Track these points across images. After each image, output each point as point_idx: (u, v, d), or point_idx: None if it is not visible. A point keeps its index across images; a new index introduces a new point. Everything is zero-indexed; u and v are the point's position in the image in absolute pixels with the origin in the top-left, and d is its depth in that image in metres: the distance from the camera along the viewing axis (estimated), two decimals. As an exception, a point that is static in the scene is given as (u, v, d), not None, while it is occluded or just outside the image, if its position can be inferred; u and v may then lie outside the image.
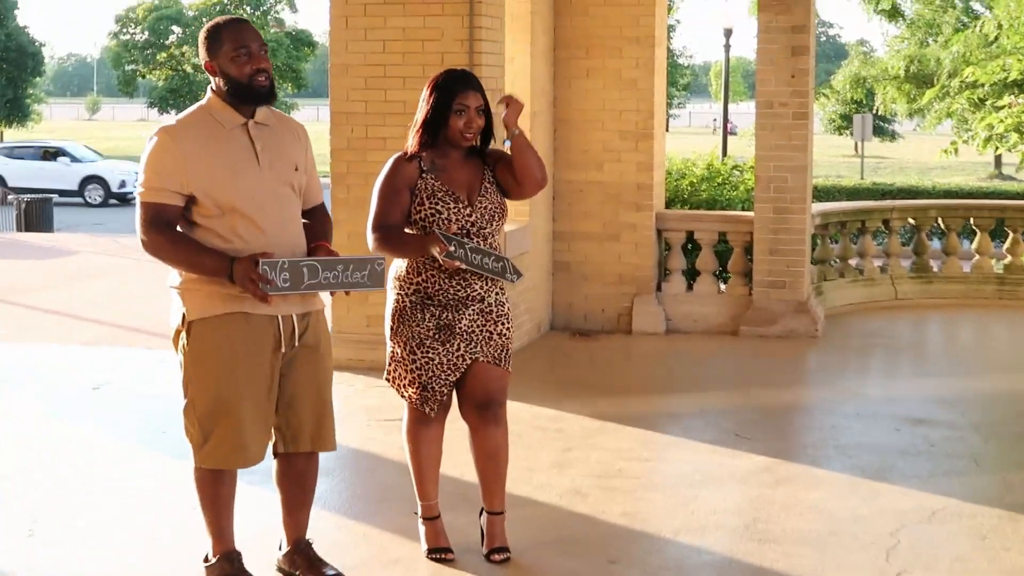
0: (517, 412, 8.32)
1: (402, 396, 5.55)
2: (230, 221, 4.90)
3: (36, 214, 26.96)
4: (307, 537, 5.38)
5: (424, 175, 5.39)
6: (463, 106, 5.34)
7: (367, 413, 8.30)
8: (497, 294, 5.52)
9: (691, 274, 11.86)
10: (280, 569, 5.40)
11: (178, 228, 4.93)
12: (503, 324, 5.53)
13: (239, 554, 5.17)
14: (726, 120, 30.04)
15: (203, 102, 5.03)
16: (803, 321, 11.15)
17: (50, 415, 8.36)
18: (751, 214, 11.43)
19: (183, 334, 4.99)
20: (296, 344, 5.04)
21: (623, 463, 7.25)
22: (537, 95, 10.93)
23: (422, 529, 5.70)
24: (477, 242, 5.38)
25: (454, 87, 5.35)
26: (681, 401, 8.99)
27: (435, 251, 5.21)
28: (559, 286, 11.56)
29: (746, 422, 8.25)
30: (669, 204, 12.48)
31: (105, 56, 75.64)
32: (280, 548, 5.41)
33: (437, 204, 5.36)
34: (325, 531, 5.94)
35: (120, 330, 11.82)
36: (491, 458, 5.61)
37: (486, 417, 5.55)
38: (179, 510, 6.29)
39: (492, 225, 5.46)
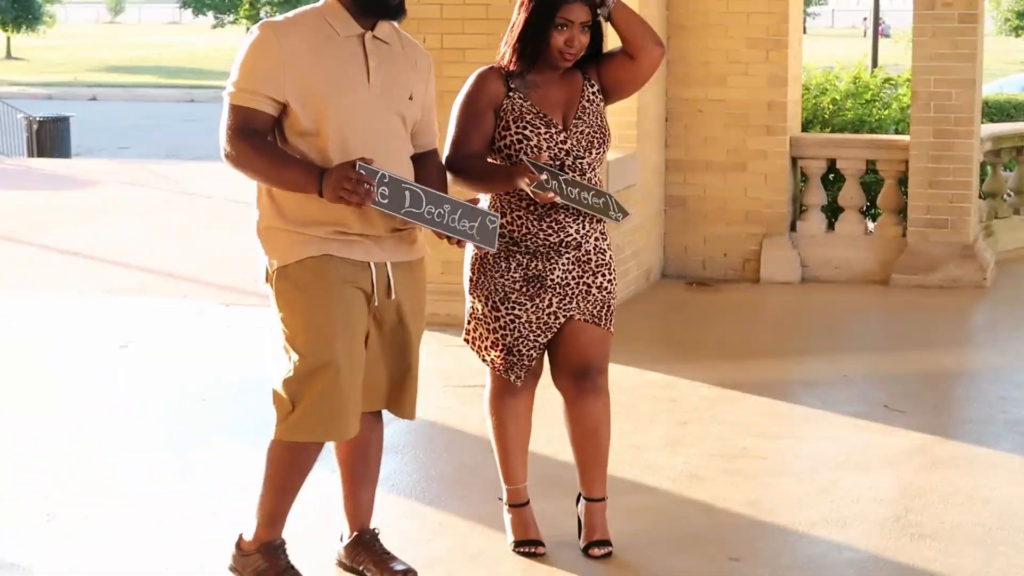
0: (621, 378, 8.39)
1: (483, 361, 5.62)
2: (323, 142, 4.99)
3: (50, 135, 27.32)
4: (372, 526, 5.47)
5: (511, 93, 5.43)
6: (566, 20, 5.35)
7: (442, 377, 8.40)
8: (597, 239, 5.56)
9: (833, 211, 11.83)
10: (341, 564, 5.50)
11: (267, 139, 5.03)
12: (604, 276, 5.58)
13: (284, 544, 5.26)
14: (877, 19, 29.66)
15: (318, 3, 5.13)
16: (969, 268, 11.10)
17: (70, 378, 8.54)
18: (906, 138, 11.37)
19: (270, 286, 5.10)
20: (392, 296, 5.12)
21: (748, 440, 7.29)
22: (647, -5, 10.91)
23: (507, 518, 5.78)
24: (573, 176, 5.41)
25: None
26: (819, 366, 8.99)
27: (523, 183, 5.24)
28: (673, 226, 11.58)
29: (898, 392, 8.26)
30: (807, 126, 12.44)
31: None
32: (341, 539, 5.50)
33: (525, 128, 5.40)
34: (393, 519, 6.02)
35: (151, 276, 12.01)
36: (590, 435, 5.66)
37: (584, 387, 5.61)
38: (214, 491, 6.42)
39: (591, 154, 5.49)
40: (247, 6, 54.93)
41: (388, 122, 5.09)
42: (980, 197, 12.09)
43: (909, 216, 11.24)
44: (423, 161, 5.26)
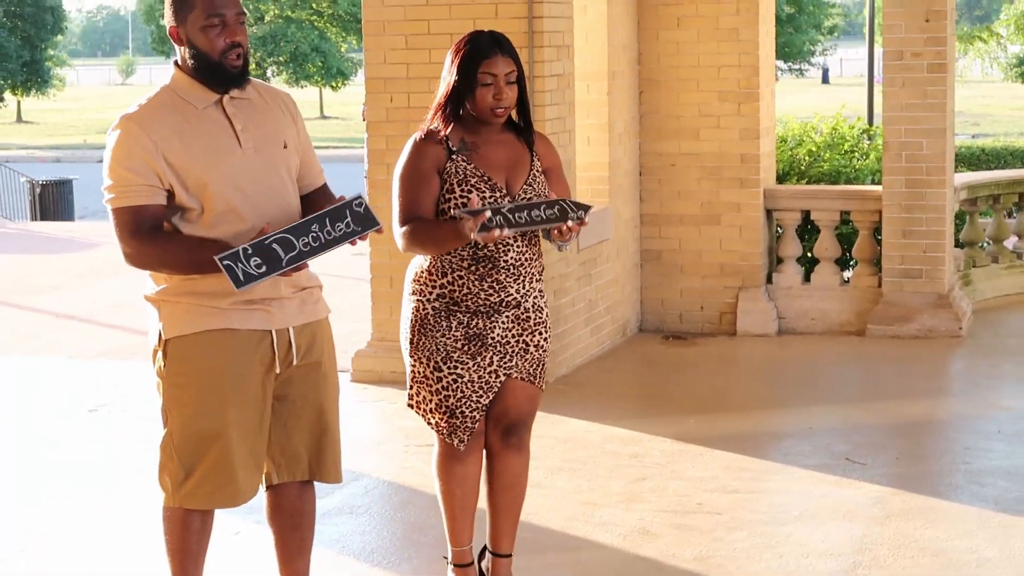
0: (585, 434, 8.43)
1: (428, 424, 5.61)
2: (209, 218, 4.95)
3: (53, 198, 27.43)
4: (309, 592, 5.46)
5: (453, 156, 5.43)
6: (491, 75, 5.37)
7: (407, 436, 8.40)
8: (536, 297, 5.56)
9: (808, 263, 11.82)
10: (279, 628, 5.48)
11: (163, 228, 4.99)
12: (541, 334, 5.59)
13: None
14: (872, 68, 29.63)
15: (165, 82, 5.09)
16: (944, 317, 11.08)
17: (38, 442, 8.54)
18: (879, 188, 11.37)
19: (159, 354, 5.09)
20: (294, 362, 5.11)
21: (705, 495, 7.27)
22: (617, 51, 10.96)
23: None
24: (515, 202, 5.33)
25: (478, 54, 5.39)
26: (787, 418, 8.98)
27: (469, 231, 5.16)
28: (649, 280, 11.58)
29: (863, 444, 8.24)
30: (783, 178, 12.45)
31: (139, 9, 76.68)
32: (278, 604, 5.49)
33: (469, 191, 5.38)
34: (337, 582, 6.03)
35: (141, 337, 11.99)
36: (507, 489, 5.68)
37: (510, 442, 5.63)
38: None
39: None
40: (253, 66, 55.07)
41: (270, 179, 5.05)
42: (958, 246, 12.10)
43: (884, 267, 11.23)
44: (315, 199, 5.20)
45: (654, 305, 11.61)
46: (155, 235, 4.91)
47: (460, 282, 5.45)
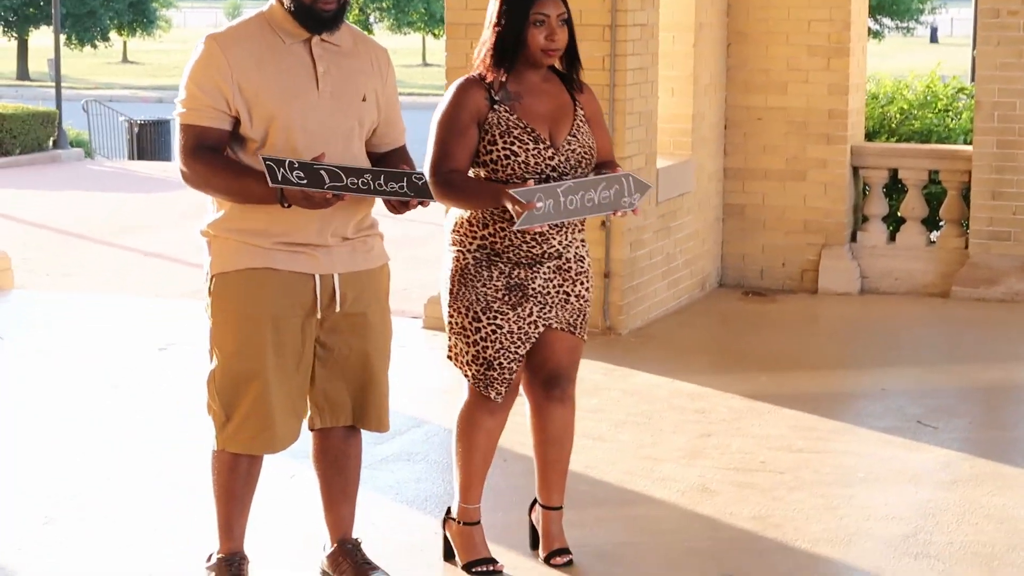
0: (653, 388, 8.34)
1: (465, 376, 5.51)
2: (270, 152, 4.90)
3: (151, 139, 27.63)
4: (354, 536, 5.41)
5: (496, 106, 5.32)
6: (542, 16, 5.26)
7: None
8: (578, 248, 5.46)
9: (894, 222, 11.62)
10: (324, 573, 5.44)
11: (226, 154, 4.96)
12: (582, 284, 5.48)
13: (242, 558, 5.22)
14: (976, 30, 29.11)
15: (263, 9, 5.07)
16: (1032, 282, 10.86)
17: (104, 381, 8.57)
18: (970, 148, 11.15)
19: (207, 288, 5.06)
20: (339, 310, 5.06)
21: (768, 453, 7.16)
22: (704, 3, 10.78)
23: (451, 536, 5.65)
24: (569, 180, 5.23)
25: None
26: (861, 379, 8.84)
27: (510, 207, 5.11)
28: (730, 234, 11.44)
29: (936, 407, 8.08)
30: (873, 136, 12.24)
31: (247, -48, 76.95)
32: (324, 548, 5.45)
33: (512, 143, 5.28)
34: (390, 530, 6.01)
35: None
36: (554, 442, 5.59)
37: (552, 395, 5.54)
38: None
39: (576, 172, 5.35)
40: (356, 11, 55.15)
41: (340, 127, 5.00)
42: (1050, 209, 11.85)
43: (971, 228, 11.02)
44: (391, 160, 5.15)
45: (735, 260, 11.47)
46: (212, 157, 4.89)
47: (502, 233, 5.34)
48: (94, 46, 55.44)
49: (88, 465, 6.96)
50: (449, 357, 5.51)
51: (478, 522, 5.62)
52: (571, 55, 5.42)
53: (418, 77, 51.10)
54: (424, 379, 8.60)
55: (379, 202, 5.03)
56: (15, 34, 55.57)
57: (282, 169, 4.69)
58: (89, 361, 9.08)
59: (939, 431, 7.60)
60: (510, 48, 5.30)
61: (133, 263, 13.57)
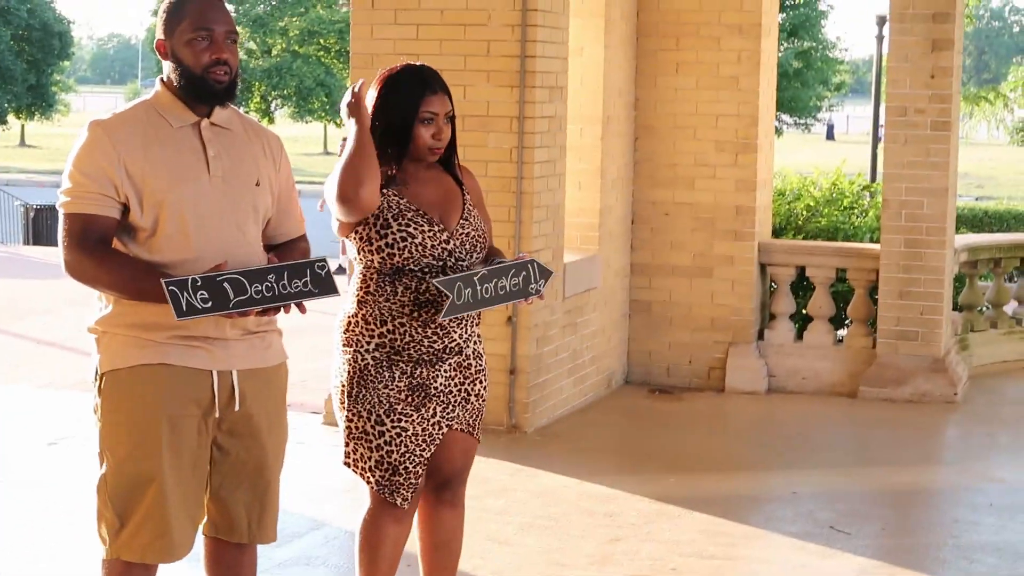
0: (561, 489, 8.11)
1: (368, 483, 5.25)
2: (159, 242, 4.66)
3: (46, 223, 27.18)
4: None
5: (386, 190, 5.13)
6: (431, 114, 5.11)
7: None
8: (476, 344, 5.29)
9: (801, 320, 11.51)
10: None
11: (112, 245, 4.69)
12: (481, 383, 5.30)
13: None
14: (876, 127, 29.35)
15: (147, 96, 4.84)
16: (939, 382, 10.76)
17: (-10, 476, 8.22)
18: (877, 247, 11.07)
19: (96, 389, 4.78)
20: (237, 408, 4.79)
21: (680, 560, 6.94)
22: (612, 96, 10.67)
23: None
24: (482, 269, 5.07)
25: (417, 91, 5.11)
26: (771, 481, 8.66)
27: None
28: (637, 331, 11.27)
29: (848, 511, 7.90)
30: (779, 232, 12.15)
31: (148, 38, 76.69)
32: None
33: (407, 225, 5.09)
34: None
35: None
36: (442, 547, 5.39)
37: (443, 498, 5.34)
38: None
39: (472, 257, 5.20)
40: (258, 99, 55.02)
41: (233, 214, 4.76)
42: (956, 309, 11.81)
43: (879, 327, 10.92)
44: (290, 250, 4.92)
45: (641, 357, 11.29)
46: (100, 249, 4.62)
47: (401, 329, 5.11)
48: (-9, 129, 54.88)
49: (-32, 568, 6.61)
50: (347, 463, 5.25)
51: None
52: (450, 145, 5.26)
53: (319, 166, 50.88)
54: (323, 478, 8.31)
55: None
56: (-90, 117, 54.92)
57: (186, 293, 4.45)
58: (-26, 456, 8.71)
59: (852, 537, 7.42)
60: (395, 143, 5.12)
61: (27, 351, 13.20)
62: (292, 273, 4.63)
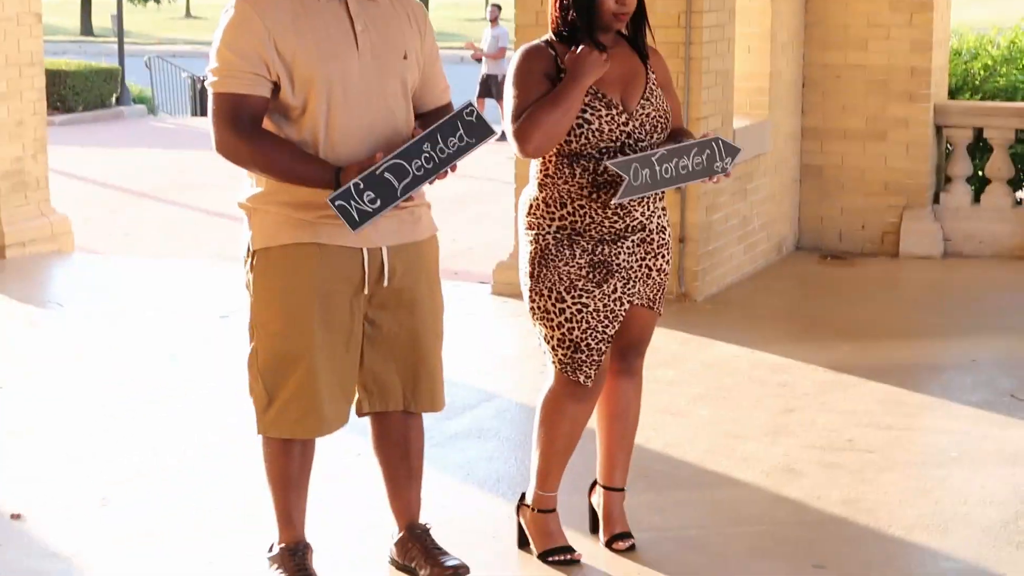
0: (733, 359, 8.03)
1: (553, 361, 5.19)
2: (310, 120, 4.63)
3: (213, 95, 27.40)
4: (423, 521, 5.14)
5: (564, 74, 4.99)
6: None
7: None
8: (659, 218, 5.17)
9: (979, 183, 11.23)
10: (393, 561, 5.19)
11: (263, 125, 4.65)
12: (663, 257, 5.19)
13: (306, 547, 4.96)
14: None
15: None
16: (1123, 245, 10.47)
17: (164, 352, 8.32)
18: (1058, 106, 10.74)
19: (247, 266, 4.78)
20: (387, 284, 4.77)
21: (856, 431, 6.82)
22: (782, -45, 10.40)
23: (525, 524, 5.36)
24: (662, 150, 4.96)
25: None
26: (949, 348, 8.48)
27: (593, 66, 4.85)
28: (808, 196, 11.09)
29: (1030, 379, 7.73)
30: (955, 93, 11.82)
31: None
32: (391, 536, 5.18)
33: (584, 110, 4.97)
34: (458, 513, 5.73)
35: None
36: (617, 417, 5.33)
37: (619, 367, 5.27)
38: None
39: (652, 138, 5.08)
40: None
41: (382, 89, 4.70)
42: None
43: (1059, 188, 10.63)
44: (436, 117, 4.81)
45: (813, 223, 11.12)
46: (255, 133, 4.58)
47: (582, 211, 5.03)
48: (157, 1, 55.37)
49: (145, 444, 6.69)
50: (540, 344, 5.20)
51: (554, 509, 5.33)
52: (639, 19, 5.11)
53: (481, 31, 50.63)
54: (494, 349, 8.31)
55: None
56: (79, -11, 55.61)
57: (352, 202, 4.42)
58: (149, 330, 8.82)
59: (1034, 406, 7.26)
60: (580, 12, 4.99)
61: (195, 222, 13.40)
62: (445, 132, 4.58)
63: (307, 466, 4.89)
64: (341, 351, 4.73)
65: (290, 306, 4.68)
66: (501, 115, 5.12)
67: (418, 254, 4.85)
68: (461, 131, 4.59)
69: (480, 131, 4.61)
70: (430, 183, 4.60)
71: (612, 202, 4.92)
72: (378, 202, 4.46)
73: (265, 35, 4.56)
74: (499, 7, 24.12)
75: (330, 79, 4.61)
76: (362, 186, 4.45)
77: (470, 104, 4.64)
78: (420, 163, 4.53)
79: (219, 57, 4.60)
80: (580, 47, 4.90)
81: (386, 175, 4.48)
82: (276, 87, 4.60)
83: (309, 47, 4.60)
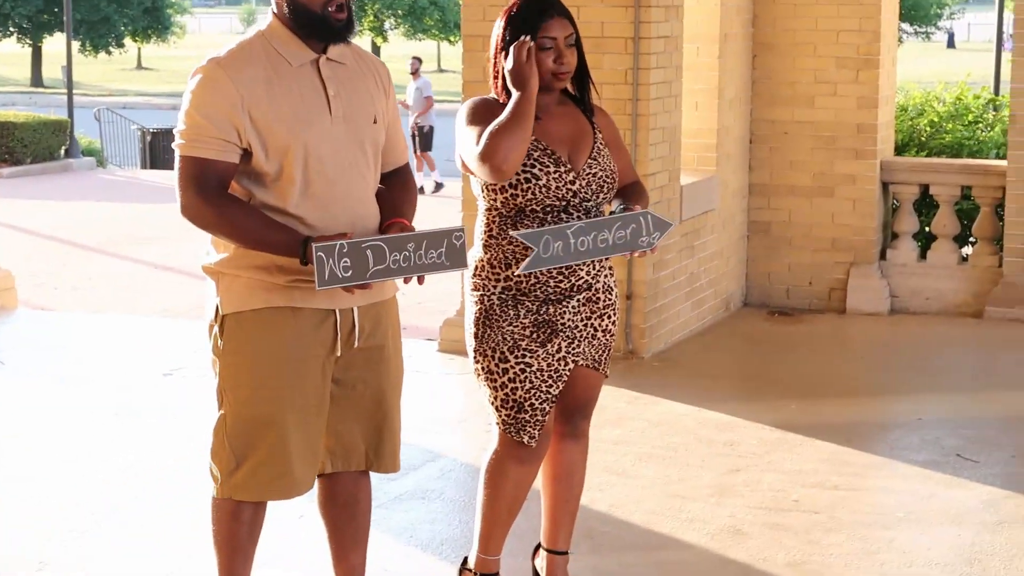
0: (680, 417, 7.99)
1: (496, 423, 5.16)
2: (284, 186, 4.56)
3: (163, 147, 27.31)
4: (365, 589, 5.07)
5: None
6: (549, 39, 4.94)
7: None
8: (606, 277, 5.13)
9: (924, 239, 11.25)
10: (333, 627, 5.10)
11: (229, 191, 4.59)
12: (609, 318, 5.15)
13: None
14: (1000, 35, 28.62)
15: (261, 28, 4.69)
16: (1068, 302, 10.48)
17: (107, 408, 8.22)
18: (1004, 163, 10.77)
19: (215, 330, 4.70)
20: (356, 344, 4.72)
21: (803, 491, 6.79)
22: (730, 14, 10.43)
23: None
24: (582, 219, 4.94)
25: (534, 18, 4.95)
26: (895, 407, 8.48)
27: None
28: (756, 252, 11.09)
29: (975, 439, 7.70)
30: (901, 150, 11.88)
31: (262, -43, 76.72)
32: (335, 603, 5.11)
33: (533, 166, 4.95)
34: (401, 576, 5.65)
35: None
36: (562, 479, 5.27)
37: (564, 430, 5.22)
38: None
39: (598, 198, 5.05)
40: (371, 18, 54.86)
41: (353, 155, 4.66)
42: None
43: (1005, 246, 10.64)
44: (393, 180, 4.82)
45: (760, 279, 11.11)
46: (222, 198, 4.50)
47: (526, 272, 4.99)
48: (108, 52, 55.28)
49: (88, 500, 6.60)
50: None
51: (497, 573, 5.27)
52: (581, 77, 5.09)
53: (433, 84, 50.74)
54: (439, 408, 8.25)
55: None
56: (30, 41, 55.39)
57: (331, 260, 4.37)
58: (92, 386, 8.73)
59: (980, 465, 7.23)
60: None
61: (143, 276, 13.31)
62: (430, 243, 4.56)
63: (256, 531, 4.81)
64: (313, 414, 4.68)
65: (262, 370, 4.61)
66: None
67: (385, 312, 4.81)
68: (443, 249, 4.57)
69: (456, 260, 4.61)
70: (395, 280, 4.58)
71: (515, 272, 4.92)
72: (349, 273, 4.42)
73: (238, 101, 4.49)
74: (420, 60, 24.37)
75: (306, 146, 4.56)
76: (346, 249, 4.41)
77: (461, 231, 4.62)
78: (397, 259, 4.50)
79: (188, 119, 4.53)
80: (509, 53, 4.84)
81: (368, 252, 4.45)
82: (246, 153, 4.55)
83: (284, 114, 4.54)
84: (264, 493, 4.71)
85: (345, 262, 4.41)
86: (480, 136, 4.88)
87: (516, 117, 4.82)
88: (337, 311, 4.66)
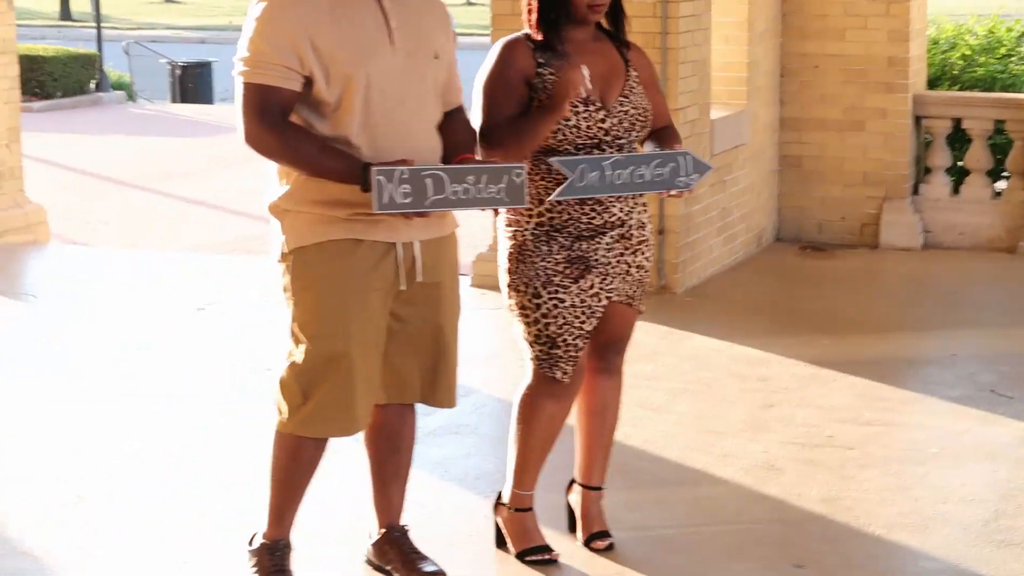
0: (711, 353, 7.97)
1: (530, 358, 5.15)
2: (344, 116, 4.55)
3: (193, 81, 27.23)
4: (402, 523, 5.09)
5: (543, 68, 4.95)
6: None
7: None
8: (639, 214, 5.11)
9: (958, 173, 11.17)
10: (370, 562, 5.14)
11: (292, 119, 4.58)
12: (643, 254, 5.13)
13: (286, 546, 4.90)
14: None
15: None
16: (1102, 236, 10.43)
17: (138, 345, 8.23)
18: (1038, 96, 10.69)
19: (283, 268, 4.70)
20: (418, 279, 4.71)
21: (836, 427, 6.77)
22: (761, -55, 10.33)
23: (502, 524, 5.31)
24: (620, 154, 4.92)
25: None
26: (929, 342, 8.44)
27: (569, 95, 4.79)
28: (787, 187, 11.03)
29: (1010, 374, 7.68)
30: (933, 83, 11.78)
31: None
32: (370, 536, 5.12)
33: None
34: (435, 511, 5.66)
35: (266, 227, 11.69)
36: (596, 414, 5.27)
37: (598, 365, 5.22)
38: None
39: (631, 135, 5.04)
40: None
41: (415, 88, 4.64)
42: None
43: (1039, 179, 10.58)
44: (450, 120, 4.80)
45: (792, 214, 11.07)
46: (284, 126, 4.51)
47: (558, 208, 4.98)
48: (136, -14, 55.15)
49: (119, 438, 6.62)
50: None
51: (531, 508, 5.27)
52: (616, 11, 5.06)
53: (462, 17, 50.59)
54: (472, 343, 8.11)
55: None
56: (57, -27, 55.28)
57: (390, 185, 4.36)
58: (124, 322, 8.73)
59: (1015, 401, 7.20)
60: (555, 5, 4.91)
61: (173, 211, 13.29)
62: (491, 178, 4.55)
63: (313, 469, 4.83)
64: (373, 347, 4.68)
65: (329, 306, 4.62)
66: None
67: (444, 248, 4.81)
68: (503, 185, 4.56)
69: (515, 196, 4.59)
70: (450, 209, 4.57)
71: (549, 199, 4.89)
72: (408, 199, 4.41)
73: (301, 29, 4.48)
74: None
75: (368, 76, 4.54)
76: (406, 175, 4.40)
77: (522, 168, 4.60)
78: (457, 190, 4.49)
79: (251, 46, 4.53)
80: (563, 71, 4.80)
81: (427, 180, 4.44)
82: (307, 81, 4.53)
83: (347, 43, 4.53)
84: (326, 429, 4.73)
85: (404, 188, 4.40)
86: (487, 122, 4.91)
87: (533, 136, 4.84)
88: (399, 245, 4.65)
